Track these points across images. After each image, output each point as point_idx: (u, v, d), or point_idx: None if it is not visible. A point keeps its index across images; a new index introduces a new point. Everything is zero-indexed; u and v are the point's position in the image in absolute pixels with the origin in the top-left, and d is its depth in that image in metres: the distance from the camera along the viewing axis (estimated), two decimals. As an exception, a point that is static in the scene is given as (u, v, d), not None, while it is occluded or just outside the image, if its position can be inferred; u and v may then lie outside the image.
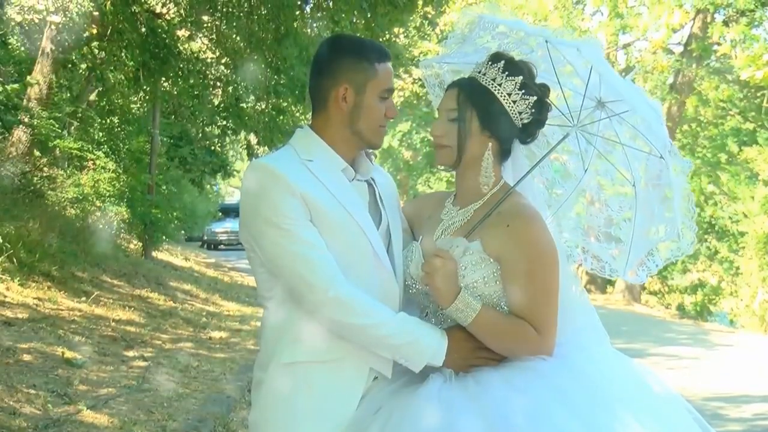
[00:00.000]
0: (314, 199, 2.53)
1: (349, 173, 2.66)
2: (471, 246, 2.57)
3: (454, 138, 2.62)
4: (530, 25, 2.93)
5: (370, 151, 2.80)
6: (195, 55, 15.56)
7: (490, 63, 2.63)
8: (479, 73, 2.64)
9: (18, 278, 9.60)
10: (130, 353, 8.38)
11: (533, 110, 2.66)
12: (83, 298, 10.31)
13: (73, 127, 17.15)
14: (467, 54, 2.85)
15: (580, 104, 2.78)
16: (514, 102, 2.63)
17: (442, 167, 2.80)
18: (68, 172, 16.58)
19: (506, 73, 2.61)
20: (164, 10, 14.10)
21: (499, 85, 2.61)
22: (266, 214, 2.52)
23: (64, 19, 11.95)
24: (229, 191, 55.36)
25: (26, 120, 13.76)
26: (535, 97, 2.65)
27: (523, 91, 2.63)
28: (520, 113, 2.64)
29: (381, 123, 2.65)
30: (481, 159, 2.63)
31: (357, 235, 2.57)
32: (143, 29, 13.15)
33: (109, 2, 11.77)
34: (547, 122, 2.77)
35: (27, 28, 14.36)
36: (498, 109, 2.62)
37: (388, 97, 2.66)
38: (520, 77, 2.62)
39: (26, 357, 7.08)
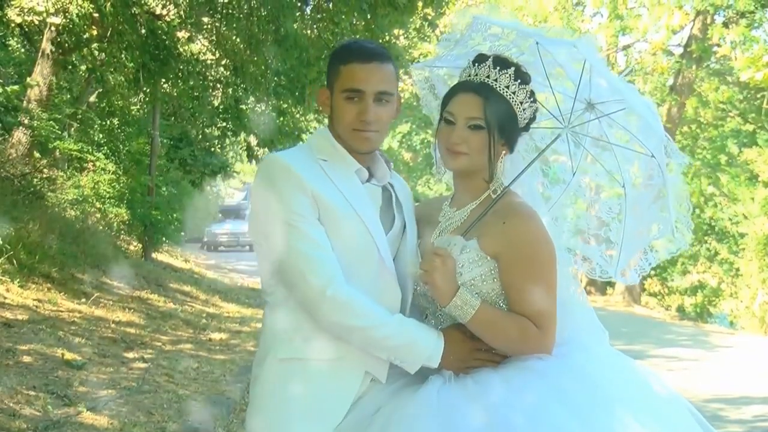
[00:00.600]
0: (324, 197, 2.54)
1: (362, 175, 2.66)
2: (468, 244, 2.59)
3: (476, 146, 2.61)
4: (524, 26, 2.94)
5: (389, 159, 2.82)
6: (195, 56, 15.55)
7: (499, 69, 2.63)
8: (487, 77, 2.63)
9: (18, 280, 9.58)
10: (130, 355, 8.37)
11: (533, 117, 2.71)
12: (83, 300, 10.30)
13: (73, 129, 17.14)
14: (459, 57, 2.86)
15: (571, 107, 2.79)
16: (524, 110, 2.67)
17: (440, 173, 2.82)
18: (68, 173, 16.57)
19: (519, 81, 2.64)
20: (164, 12, 14.08)
21: (513, 93, 2.63)
22: (275, 209, 2.53)
23: (64, 20, 11.94)
24: (230, 193, 55.37)
25: (26, 121, 13.75)
26: (537, 105, 2.70)
27: (531, 99, 2.67)
28: (524, 119, 2.68)
29: (353, 126, 2.61)
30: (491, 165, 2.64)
31: (363, 236, 2.58)
32: (143, 31, 13.13)
33: (108, 4, 11.75)
34: (537, 125, 2.81)
35: (27, 29, 14.39)
36: (513, 118, 2.65)
37: (354, 98, 2.60)
38: (530, 86, 2.66)
39: (26, 358, 7.07)
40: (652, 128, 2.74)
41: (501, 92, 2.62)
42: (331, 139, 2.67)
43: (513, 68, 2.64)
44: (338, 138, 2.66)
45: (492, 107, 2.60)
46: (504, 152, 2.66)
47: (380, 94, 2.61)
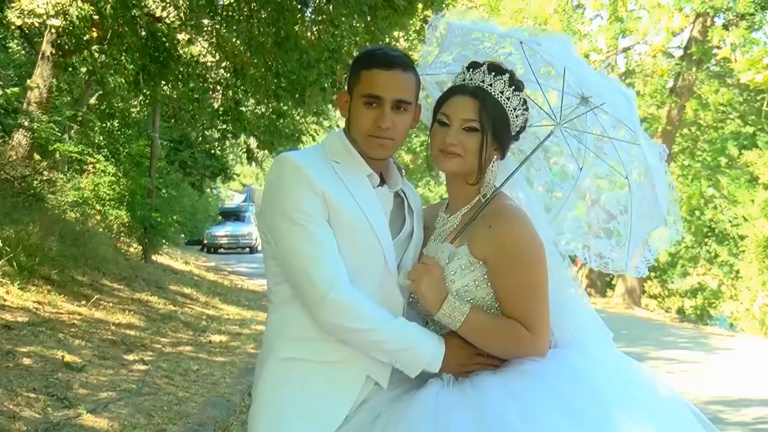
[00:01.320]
0: (334, 199, 2.54)
1: (374, 180, 2.66)
2: (458, 251, 2.59)
3: (470, 149, 2.62)
4: (501, 27, 2.95)
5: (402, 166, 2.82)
6: (195, 58, 15.57)
7: (494, 74, 2.65)
8: (482, 82, 2.65)
9: (18, 282, 9.59)
10: (130, 357, 8.37)
11: (523, 126, 2.73)
12: (83, 302, 10.30)
13: (73, 131, 17.16)
14: (447, 64, 2.89)
15: (566, 103, 2.81)
16: (517, 117, 2.68)
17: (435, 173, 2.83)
18: (68, 175, 16.60)
19: (513, 87, 2.66)
20: (164, 14, 14.11)
21: (508, 99, 2.65)
22: (284, 208, 2.53)
23: (64, 22, 11.95)
24: (229, 195, 55.41)
25: (26, 123, 13.77)
26: (528, 112, 2.72)
27: (524, 107, 2.69)
28: (516, 126, 2.70)
29: (370, 132, 2.60)
30: (481, 168, 2.65)
31: (370, 240, 2.58)
32: (143, 33, 13.15)
33: (108, 6, 11.77)
34: (536, 124, 2.83)
35: (27, 31, 14.40)
36: (506, 123, 2.66)
37: (373, 104, 2.59)
38: (523, 93, 2.68)
39: (26, 361, 7.07)
40: (626, 120, 2.75)
41: (496, 97, 2.64)
42: (346, 142, 2.67)
43: (507, 74, 2.66)
44: (353, 142, 2.66)
45: (487, 111, 2.61)
46: (495, 157, 2.67)
47: (399, 102, 2.60)
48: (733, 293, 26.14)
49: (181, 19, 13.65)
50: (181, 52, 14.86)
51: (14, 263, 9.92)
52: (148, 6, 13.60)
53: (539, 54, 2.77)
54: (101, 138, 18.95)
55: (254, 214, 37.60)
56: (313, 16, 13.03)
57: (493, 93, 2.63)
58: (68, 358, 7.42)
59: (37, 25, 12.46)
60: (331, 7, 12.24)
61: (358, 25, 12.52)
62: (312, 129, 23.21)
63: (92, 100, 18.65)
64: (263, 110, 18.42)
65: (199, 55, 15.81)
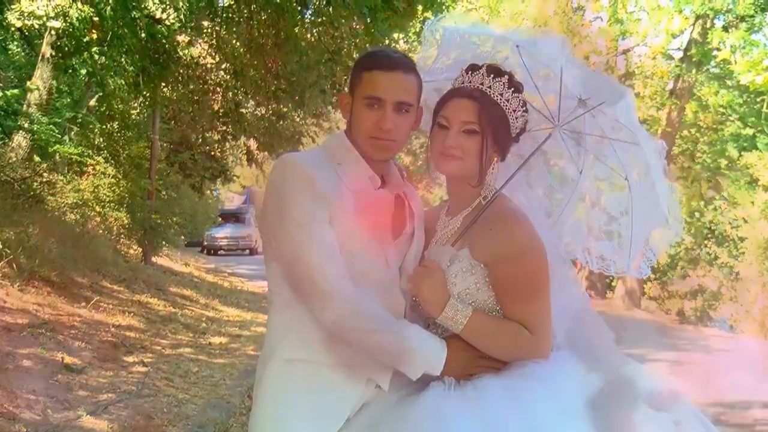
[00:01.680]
0: (336, 200, 2.54)
1: (375, 182, 2.66)
2: (459, 254, 2.59)
3: (470, 151, 2.61)
4: (497, 30, 2.95)
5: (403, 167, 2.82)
6: (195, 60, 15.59)
7: (493, 77, 2.65)
8: (482, 84, 2.65)
9: (17, 283, 9.58)
10: (130, 359, 8.37)
11: (523, 127, 2.72)
12: (83, 304, 10.30)
13: (72, 133, 17.15)
14: (446, 69, 2.88)
15: (565, 105, 2.80)
16: (516, 119, 2.68)
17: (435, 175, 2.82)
18: (68, 177, 16.58)
19: (512, 89, 2.65)
20: (164, 16, 14.09)
21: (507, 100, 2.65)
22: (286, 209, 2.53)
23: (64, 24, 11.95)
24: (229, 196, 55.39)
25: (26, 125, 13.77)
26: (527, 114, 2.71)
27: (524, 108, 2.69)
28: (516, 128, 2.69)
29: (371, 133, 2.60)
30: (482, 170, 2.65)
31: (372, 242, 2.58)
32: (143, 35, 13.14)
33: (108, 7, 11.76)
34: (535, 129, 2.82)
35: (27, 33, 14.40)
36: (506, 125, 2.66)
37: (374, 105, 2.59)
38: (522, 94, 2.68)
39: (26, 362, 7.07)
40: (625, 119, 2.74)
41: (495, 99, 2.63)
42: (347, 144, 2.67)
43: (506, 76, 2.66)
44: (354, 143, 2.66)
45: (486, 113, 2.61)
46: (496, 159, 2.67)
47: (400, 104, 2.60)
48: (733, 295, 26.10)
49: (181, 21, 13.63)
50: (181, 53, 14.87)
51: (14, 265, 9.91)
52: (148, 8, 13.59)
53: (536, 57, 2.77)
54: (101, 140, 18.93)
55: (254, 216, 37.60)
56: (312, 18, 13.04)
57: (492, 95, 2.63)
58: (68, 359, 7.42)
59: (37, 26, 12.45)
60: (330, 9, 12.25)
61: (357, 26, 12.53)
62: (312, 131, 23.23)
63: (92, 102, 18.63)
64: (263, 112, 18.45)
65: (199, 56, 15.83)
